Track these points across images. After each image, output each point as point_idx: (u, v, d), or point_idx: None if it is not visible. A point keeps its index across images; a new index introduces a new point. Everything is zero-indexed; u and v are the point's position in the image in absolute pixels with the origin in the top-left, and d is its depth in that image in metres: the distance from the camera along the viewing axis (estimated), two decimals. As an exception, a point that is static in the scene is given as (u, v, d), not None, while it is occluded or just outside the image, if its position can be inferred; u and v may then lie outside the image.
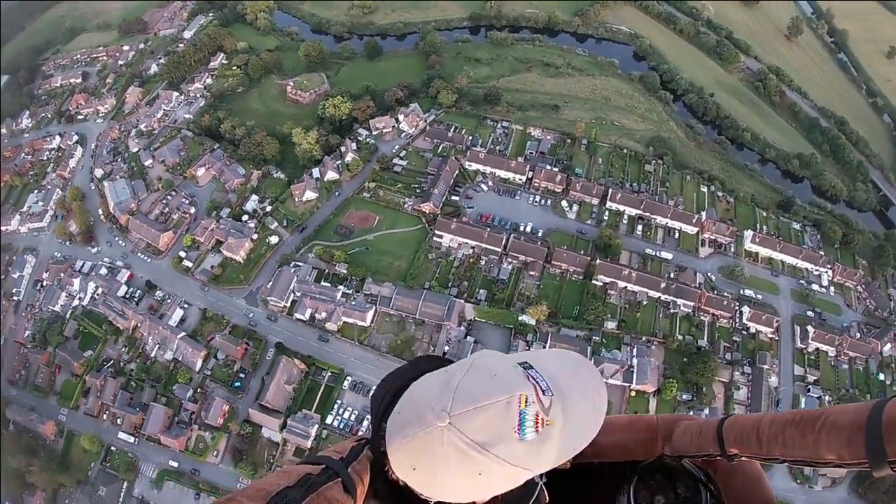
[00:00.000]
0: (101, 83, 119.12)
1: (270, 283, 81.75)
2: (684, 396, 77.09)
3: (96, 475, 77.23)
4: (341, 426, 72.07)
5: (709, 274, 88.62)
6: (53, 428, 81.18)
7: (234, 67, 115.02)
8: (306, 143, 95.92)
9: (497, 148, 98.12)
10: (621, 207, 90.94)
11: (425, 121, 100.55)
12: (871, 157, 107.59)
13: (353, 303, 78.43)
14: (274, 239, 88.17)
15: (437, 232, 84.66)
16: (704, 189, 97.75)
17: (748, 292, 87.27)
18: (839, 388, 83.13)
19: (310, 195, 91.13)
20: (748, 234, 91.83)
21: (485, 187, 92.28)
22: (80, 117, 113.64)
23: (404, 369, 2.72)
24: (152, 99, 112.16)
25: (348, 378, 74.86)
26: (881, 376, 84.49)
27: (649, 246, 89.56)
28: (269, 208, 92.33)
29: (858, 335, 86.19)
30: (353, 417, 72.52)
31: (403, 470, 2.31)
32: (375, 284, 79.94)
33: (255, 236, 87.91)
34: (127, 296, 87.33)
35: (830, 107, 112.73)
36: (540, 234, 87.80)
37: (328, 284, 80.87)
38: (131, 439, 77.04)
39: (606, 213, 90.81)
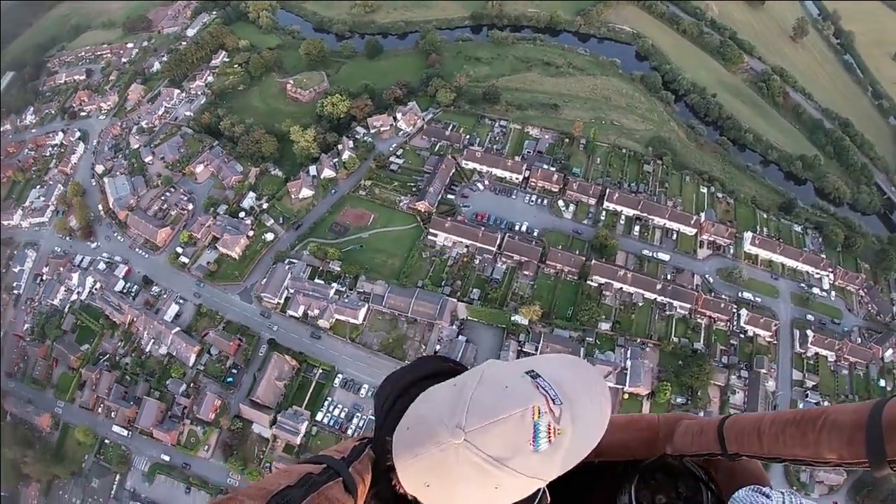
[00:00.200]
0: (104, 80, 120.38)
1: (265, 280, 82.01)
2: (678, 400, 76.19)
3: (90, 467, 77.88)
4: (331, 423, 72.01)
5: (707, 276, 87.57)
6: (49, 420, 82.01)
7: (236, 65, 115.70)
8: (304, 140, 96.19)
9: (494, 147, 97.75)
10: (618, 208, 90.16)
11: (423, 119, 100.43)
12: (875, 160, 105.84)
13: (346, 300, 78.43)
14: (269, 236, 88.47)
15: (431, 230, 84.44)
16: (704, 190, 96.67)
17: (747, 295, 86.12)
18: (838, 393, 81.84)
19: (306, 193, 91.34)
20: (748, 235, 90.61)
21: (481, 186, 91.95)
22: (83, 114, 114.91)
23: (408, 369, 2.71)
24: (154, 96, 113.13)
25: (339, 375, 74.85)
26: (882, 382, 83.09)
27: (646, 247, 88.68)
28: (265, 205, 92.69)
29: (859, 340, 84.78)
30: (343, 415, 72.46)
31: (415, 486, 2.28)
32: (368, 282, 79.91)
33: (251, 233, 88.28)
34: (124, 291, 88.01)
35: (835, 108, 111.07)
36: (535, 234, 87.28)
37: (322, 282, 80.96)
38: (125, 432, 77.59)
39: (603, 213, 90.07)
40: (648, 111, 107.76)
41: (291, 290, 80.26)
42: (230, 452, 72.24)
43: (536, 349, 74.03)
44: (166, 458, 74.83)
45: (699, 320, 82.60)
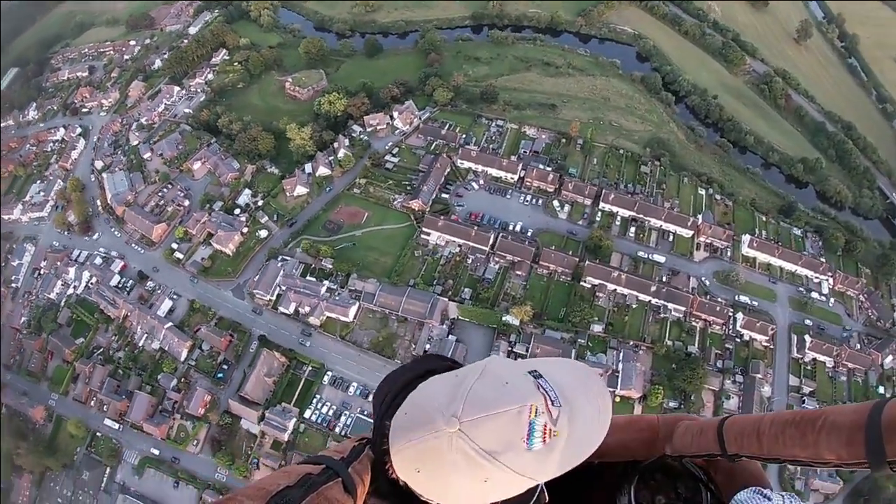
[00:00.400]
0: (106, 77, 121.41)
1: (257, 277, 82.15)
2: (671, 404, 75.24)
3: (81, 460, 78.31)
4: (319, 420, 71.86)
5: (703, 278, 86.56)
6: (43, 412, 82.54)
7: (236, 63, 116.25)
8: (300, 138, 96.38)
9: (490, 146, 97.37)
10: (614, 208, 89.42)
11: (419, 118, 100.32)
12: (878, 164, 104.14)
13: (337, 298, 78.35)
14: (263, 233, 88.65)
15: (424, 229, 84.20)
16: (702, 192, 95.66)
17: (744, 298, 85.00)
18: (836, 400, 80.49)
19: (301, 190, 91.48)
20: (746, 238, 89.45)
21: (476, 185, 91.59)
22: (84, 110, 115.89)
23: (408, 367, 2.72)
24: (154, 93, 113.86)
25: (328, 373, 74.72)
26: (881, 389, 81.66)
27: (642, 248, 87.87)
28: (260, 202, 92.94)
29: (858, 346, 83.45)
30: (331, 413, 72.28)
31: (407, 471, 2.30)
32: (360, 280, 79.78)
33: (244, 230, 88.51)
34: (119, 285, 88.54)
35: (838, 111, 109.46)
36: (529, 234, 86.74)
37: (313, 279, 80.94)
38: (116, 426, 77.97)
39: (599, 213, 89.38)
40: (648, 112, 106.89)
41: (283, 288, 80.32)
42: (218, 447, 72.32)
43: (527, 350, 73.50)
44: (156, 452, 75.10)
45: (694, 323, 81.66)
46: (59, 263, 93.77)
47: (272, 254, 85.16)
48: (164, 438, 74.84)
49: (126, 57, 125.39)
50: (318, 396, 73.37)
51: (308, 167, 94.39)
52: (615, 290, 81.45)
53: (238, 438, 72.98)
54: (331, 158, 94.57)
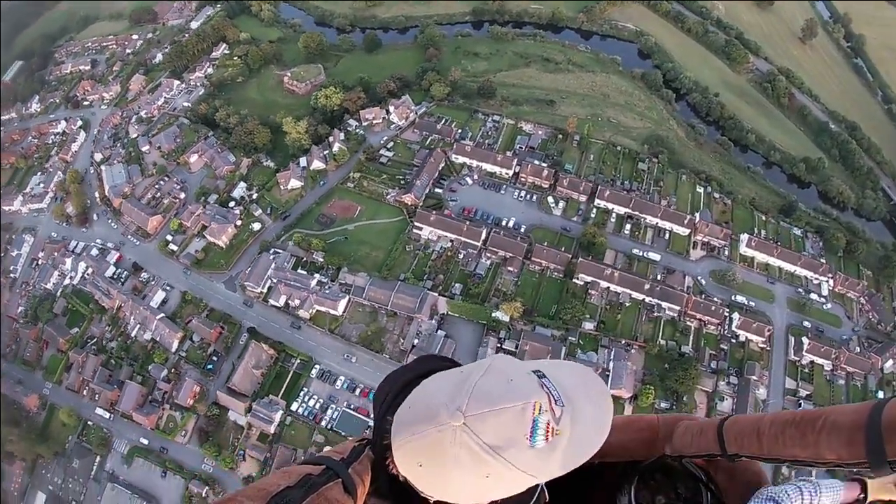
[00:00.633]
0: (108, 71, 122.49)
1: (249, 269, 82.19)
2: (662, 404, 74.03)
3: (72, 448, 78.81)
4: (306, 413, 71.66)
5: (699, 277, 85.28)
6: (37, 401, 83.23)
7: (235, 57, 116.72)
8: (296, 132, 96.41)
9: (486, 142, 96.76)
10: (609, 205, 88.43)
11: (416, 113, 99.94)
12: (882, 164, 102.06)
13: (327, 291, 78.14)
14: (257, 226, 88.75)
15: (416, 224, 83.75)
16: (700, 190, 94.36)
17: (740, 299, 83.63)
18: (833, 404, 78.18)
19: (295, 184, 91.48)
20: (744, 237, 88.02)
21: (470, 181, 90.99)
22: (85, 103, 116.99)
23: (409, 367, 2.71)
24: (154, 87, 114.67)
25: (316, 366, 74.50)
26: (880, 394, 79.81)
27: (637, 246, 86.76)
28: (255, 195, 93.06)
29: (858, 349, 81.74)
30: (317, 406, 72.04)
31: (408, 466, 2.30)
32: (350, 274, 79.50)
33: (238, 222, 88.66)
34: (114, 276, 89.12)
35: (842, 111, 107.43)
36: (522, 230, 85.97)
37: (304, 272, 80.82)
38: (107, 415, 78.41)
39: (594, 210, 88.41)
40: (647, 109, 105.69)
41: (274, 280, 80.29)
42: (206, 438, 72.39)
43: (516, 346, 72.76)
44: (145, 441, 75.38)
45: (688, 323, 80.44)
46: (56, 254, 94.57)
47: (265, 246, 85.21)
48: (153, 428, 75.10)
49: (128, 51, 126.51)
50: (305, 389, 73.19)
51: (303, 161, 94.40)
52: (608, 287, 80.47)
53: (225, 430, 73.01)
54: (326, 152, 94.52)
